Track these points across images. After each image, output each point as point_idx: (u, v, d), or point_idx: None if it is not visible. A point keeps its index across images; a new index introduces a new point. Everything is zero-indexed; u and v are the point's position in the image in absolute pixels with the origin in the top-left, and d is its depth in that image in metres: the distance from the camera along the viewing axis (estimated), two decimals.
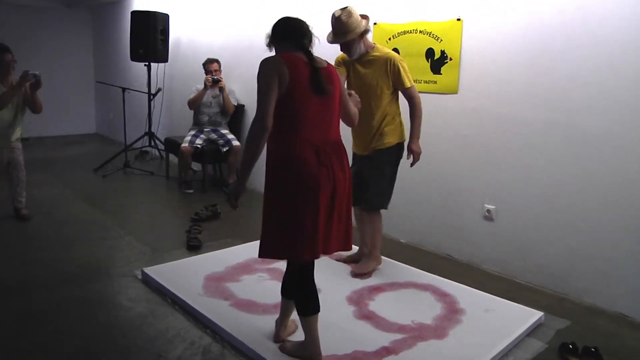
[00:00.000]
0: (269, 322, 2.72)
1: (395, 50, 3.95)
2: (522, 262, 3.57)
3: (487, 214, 3.76)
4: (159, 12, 6.62)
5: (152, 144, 7.10)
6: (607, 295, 3.17)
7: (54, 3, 9.15)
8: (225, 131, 5.83)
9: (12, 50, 4.29)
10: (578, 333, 2.85)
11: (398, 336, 2.70)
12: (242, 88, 5.88)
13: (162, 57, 6.72)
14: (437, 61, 3.93)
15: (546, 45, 3.32)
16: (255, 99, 2.24)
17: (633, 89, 2.97)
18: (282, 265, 2.59)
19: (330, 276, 3.40)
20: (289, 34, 2.34)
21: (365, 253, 3.62)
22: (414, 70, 3.66)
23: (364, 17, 3.25)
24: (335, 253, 2.64)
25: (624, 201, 3.07)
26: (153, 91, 6.91)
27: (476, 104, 3.75)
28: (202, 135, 5.76)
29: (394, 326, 2.81)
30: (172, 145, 6.21)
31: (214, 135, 5.78)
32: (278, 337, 2.60)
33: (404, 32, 4.11)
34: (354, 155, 3.50)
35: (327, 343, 2.48)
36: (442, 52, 3.89)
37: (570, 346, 2.62)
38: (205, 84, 5.67)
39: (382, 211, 3.50)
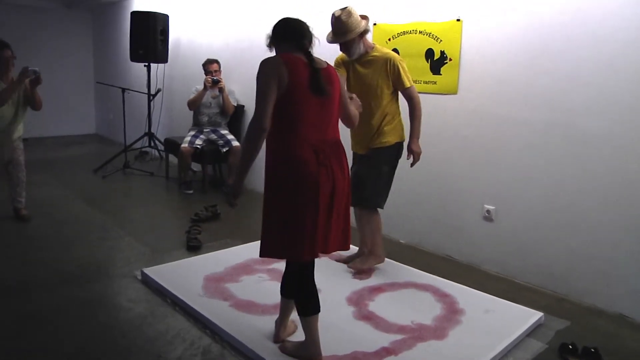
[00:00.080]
0: (269, 322, 2.72)
1: (395, 50, 3.95)
2: (521, 263, 3.57)
3: (486, 214, 3.76)
4: (159, 13, 6.62)
5: (152, 144, 7.10)
6: (607, 296, 3.17)
7: (54, 3, 9.15)
8: (225, 132, 5.83)
9: (12, 50, 4.29)
10: (578, 333, 2.85)
11: (398, 337, 2.70)
12: (242, 88, 5.88)
13: (162, 57, 6.72)
14: (436, 62, 3.93)
15: (546, 46, 3.33)
16: (255, 100, 2.24)
17: (633, 89, 2.97)
18: (281, 265, 2.59)
19: (330, 276, 3.40)
20: (289, 34, 2.34)
21: (365, 253, 3.63)
22: (413, 71, 3.67)
23: (364, 17, 3.25)
24: (335, 253, 2.64)
25: (623, 201, 3.07)
26: (153, 92, 6.91)
27: (476, 105, 3.75)
28: (201, 136, 5.76)
29: (394, 327, 2.81)
30: (171, 145, 6.21)
31: (213, 136, 5.78)
32: (278, 337, 2.60)
33: (404, 33, 4.11)
34: (354, 155, 3.50)
35: (327, 343, 2.48)
36: (442, 53, 3.89)
37: (570, 347, 2.62)
38: (204, 84, 5.67)
39: (381, 211, 3.50)
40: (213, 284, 3.28)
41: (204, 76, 5.73)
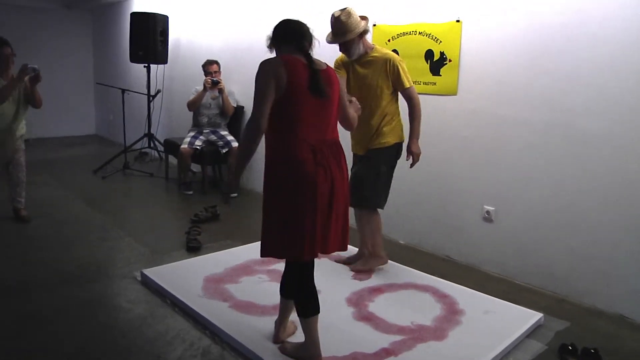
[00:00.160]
0: (269, 323, 2.72)
1: (395, 51, 3.95)
2: (521, 263, 3.57)
3: (486, 215, 3.76)
4: (159, 14, 6.62)
5: (152, 145, 7.10)
6: (607, 297, 3.17)
7: (54, 4, 9.15)
8: (224, 132, 5.84)
9: (12, 47, 4.30)
10: (578, 334, 2.85)
11: (397, 337, 2.70)
12: (242, 89, 5.88)
13: (162, 58, 6.72)
14: (436, 62, 3.94)
15: (546, 47, 3.33)
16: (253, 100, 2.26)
17: (633, 90, 2.97)
18: (281, 266, 2.59)
19: (330, 277, 3.40)
20: (289, 36, 2.36)
21: (366, 254, 3.63)
22: (413, 72, 3.67)
23: (364, 18, 3.25)
24: (335, 254, 2.65)
25: (623, 202, 3.07)
26: (152, 93, 6.91)
27: (475, 106, 3.75)
28: (201, 137, 5.76)
29: (394, 327, 2.81)
30: (171, 146, 6.21)
31: (213, 137, 5.79)
32: (277, 338, 2.60)
33: (403, 34, 4.11)
34: (354, 156, 3.50)
35: (327, 344, 2.48)
36: (442, 54, 3.89)
37: (570, 347, 2.62)
38: (204, 85, 5.67)
39: (381, 211, 3.50)
40: (213, 284, 3.28)
41: (204, 77, 5.73)
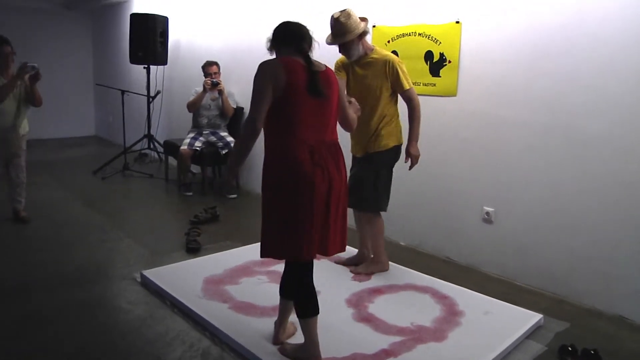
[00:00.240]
0: (268, 324, 2.72)
1: (394, 52, 3.95)
2: (521, 265, 3.57)
3: (486, 216, 3.76)
4: (158, 15, 6.63)
5: (151, 146, 7.10)
6: (607, 298, 3.17)
7: (54, 5, 9.15)
8: (224, 134, 5.84)
9: (12, 46, 4.30)
10: (577, 335, 2.85)
11: (397, 339, 2.70)
12: (241, 90, 5.88)
13: (161, 59, 6.72)
14: (436, 64, 3.94)
15: (545, 48, 3.33)
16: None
17: (633, 91, 2.98)
18: (281, 267, 2.59)
19: (330, 278, 3.40)
20: (289, 38, 2.38)
21: (365, 255, 3.63)
22: (412, 73, 3.67)
23: (363, 19, 3.25)
24: (335, 255, 2.65)
25: (623, 203, 3.07)
26: (152, 94, 6.91)
27: (475, 107, 3.75)
28: (201, 138, 5.76)
29: (393, 329, 2.81)
30: (171, 147, 6.20)
31: (213, 138, 5.79)
32: (277, 339, 2.60)
33: (403, 35, 4.11)
34: (353, 157, 3.50)
35: (327, 345, 2.48)
36: (441, 55, 3.89)
37: (570, 348, 2.62)
38: (204, 86, 5.67)
39: (382, 213, 3.50)
40: (212, 286, 3.28)
41: (204, 78, 5.73)
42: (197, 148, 5.66)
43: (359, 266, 3.58)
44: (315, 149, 2.29)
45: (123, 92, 6.85)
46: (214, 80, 5.65)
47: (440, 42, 3.89)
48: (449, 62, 3.85)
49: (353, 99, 2.74)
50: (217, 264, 3.64)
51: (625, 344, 2.83)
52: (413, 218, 4.23)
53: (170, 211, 5.34)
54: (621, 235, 3.09)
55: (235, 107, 5.86)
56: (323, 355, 2.45)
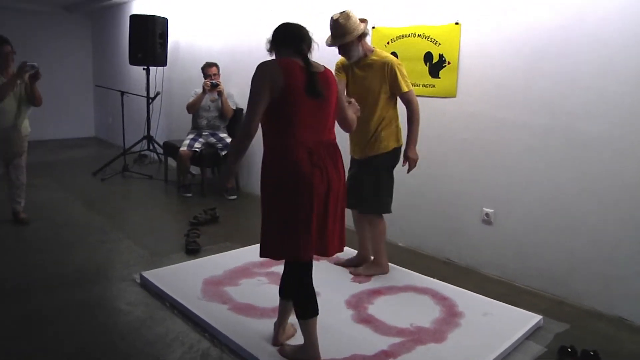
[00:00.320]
0: (268, 325, 2.72)
1: (394, 54, 3.96)
2: (521, 266, 3.57)
3: (485, 217, 3.77)
4: (158, 16, 6.63)
5: (151, 147, 7.10)
6: (606, 299, 3.17)
7: (54, 7, 9.15)
8: (223, 135, 5.84)
9: (12, 45, 4.31)
10: (577, 336, 2.85)
11: (397, 340, 2.70)
12: (241, 92, 5.88)
13: (161, 61, 6.72)
14: (435, 65, 3.94)
15: (545, 49, 3.33)
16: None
17: (632, 92, 2.98)
18: (280, 269, 2.59)
19: (329, 280, 3.40)
20: (288, 39, 2.38)
21: (365, 256, 3.63)
22: (412, 74, 3.67)
23: (363, 20, 3.24)
24: (334, 256, 2.65)
25: (623, 204, 3.07)
26: (152, 95, 6.91)
27: (475, 108, 3.76)
28: (200, 139, 5.76)
29: (393, 330, 2.81)
30: (170, 149, 6.21)
31: (212, 139, 5.79)
32: (277, 340, 2.60)
33: (402, 36, 4.12)
34: (352, 159, 3.50)
35: (326, 347, 2.48)
36: (441, 56, 3.90)
37: (569, 349, 2.62)
38: (203, 88, 5.67)
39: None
40: (212, 287, 3.28)
41: (203, 80, 5.74)
42: (197, 149, 5.66)
43: (359, 267, 3.58)
44: (314, 150, 2.30)
45: (122, 93, 6.86)
46: (214, 81, 5.66)
47: (439, 44, 3.89)
48: (449, 63, 3.86)
49: (353, 100, 2.74)
50: (217, 265, 3.63)
51: (625, 345, 2.83)
52: (412, 219, 4.23)
53: (170, 212, 5.34)
54: (621, 236, 3.09)
55: (234, 108, 5.86)
56: (323, 357, 2.44)
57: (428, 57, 3.97)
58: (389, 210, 3.46)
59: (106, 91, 8.07)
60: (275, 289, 2.62)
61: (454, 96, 3.86)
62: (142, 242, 4.19)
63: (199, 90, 5.73)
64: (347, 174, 2.62)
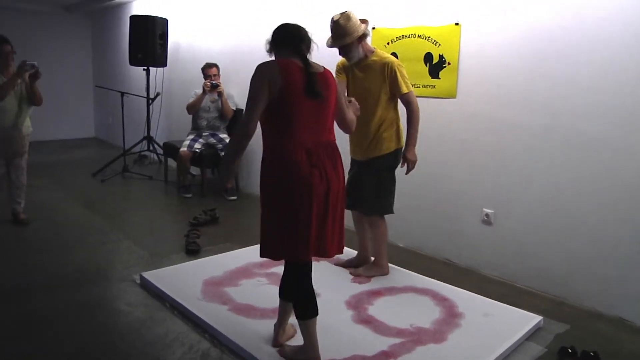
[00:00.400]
0: (268, 326, 2.72)
1: (394, 54, 3.96)
2: (521, 266, 3.57)
3: (485, 218, 3.76)
4: (158, 17, 6.63)
5: (151, 148, 7.10)
6: (606, 299, 3.17)
7: (54, 7, 9.16)
8: (223, 135, 5.84)
9: (12, 45, 4.31)
10: (577, 337, 2.85)
11: (397, 340, 2.70)
12: (241, 92, 5.89)
13: (161, 61, 6.72)
14: (435, 65, 3.94)
15: (545, 50, 3.33)
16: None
17: (632, 92, 2.98)
18: (280, 269, 2.59)
19: (329, 280, 3.40)
20: (288, 40, 2.38)
21: (365, 257, 3.63)
22: (412, 75, 3.67)
23: (364, 21, 3.24)
24: (334, 257, 2.65)
25: (622, 204, 3.07)
26: (152, 96, 6.91)
27: (475, 109, 3.76)
28: (200, 140, 5.76)
29: (393, 330, 2.81)
30: (170, 149, 6.21)
31: (212, 140, 5.79)
32: (277, 341, 2.60)
33: (402, 37, 4.12)
34: (352, 160, 3.50)
35: (326, 347, 2.48)
36: (441, 57, 3.90)
37: (570, 350, 2.62)
38: (203, 88, 5.67)
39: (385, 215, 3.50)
40: (212, 287, 3.28)
41: (203, 80, 5.74)
42: (197, 150, 5.66)
43: (359, 268, 3.58)
44: (313, 150, 2.30)
45: (123, 93, 6.86)
46: (214, 82, 5.66)
47: (439, 44, 3.89)
48: (449, 63, 3.86)
49: (353, 99, 2.74)
50: (217, 265, 3.63)
51: (625, 346, 2.83)
52: (412, 220, 4.22)
53: (170, 213, 5.34)
54: (621, 237, 3.09)
55: (234, 109, 5.86)
56: (323, 357, 2.44)
57: (428, 57, 3.97)
58: (391, 211, 3.46)
59: (106, 92, 8.07)
60: (275, 290, 2.62)
61: (454, 97, 3.86)
62: (142, 243, 4.19)
63: (199, 90, 5.73)
64: (347, 175, 2.62)
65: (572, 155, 3.27)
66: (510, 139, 3.57)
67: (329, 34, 3.23)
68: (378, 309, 3.06)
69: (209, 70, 5.74)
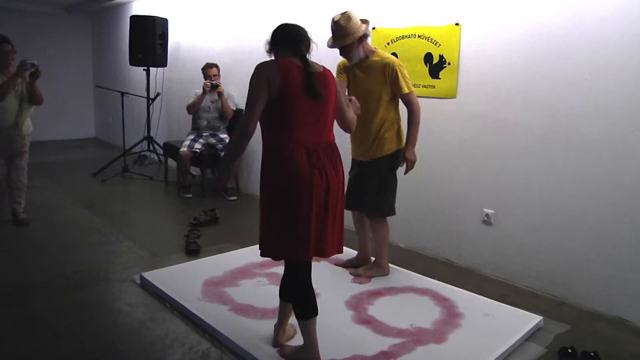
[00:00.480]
0: (268, 326, 2.72)
1: (394, 54, 3.96)
2: (521, 267, 3.57)
3: (486, 218, 3.76)
4: (158, 17, 6.63)
5: (151, 148, 7.10)
6: (607, 300, 3.17)
7: (54, 8, 9.16)
8: (223, 135, 5.84)
9: (12, 44, 4.31)
10: (577, 337, 2.85)
11: (397, 340, 2.70)
12: (241, 92, 5.89)
13: (161, 61, 6.73)
14: (435, 66, 3.94)
15: (545, 50, 3.33)
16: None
17: (632, 93, 2.98)
18: (280, 269, 2.59)
19: (329, 280, 3.40)
20: (287, 40, 2.39)
21: (365, 257, 3.63)
22: (412, 75, 3.66)
23: (364, 21, 3.23)
24: (334, 257, 2.65)
25: (622, 205, 3.07)
26: (152, 96, 6.91)
27: (475, 109, 3.76)
28: (200, 140, 5.76)
29: (393, 330, 2.81)
30: (170, 149, 6.21)
31: (212, 140, 5.79)
32: (277, 341, 2.60)
33: (403, 37, 4.12)
34: (353, 160, 3.49)
35: (326, 347, 2.48)
36: (441, 57, 3.90)
37: (570, 350, 2.62)
38: (203, 88, 5.67)
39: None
40: (212, 288, 3.28)
41: (203, 80, 5.74)
42: (197, 150, 5.67)
43: (360, 269, 3.58)
44: (312, 150, 2.30)
45: (123, 94, 6.87)
46: (214, 82, 5.66)
47: (439, 44, 3.89)
48: (449, 64, 3.86)
49: (353, 98, 2.73)
50: (217, 266, 3.63)
51: (625, 346, 2.83)
52: (413, 220, 4.22)
53: (170, 213, 5.34)
54: (621, 237, 3.09)
55: (234, 109, 5.86)
56: (323, 357, 2.44)
57: (428, 57, 3.97)
58: (393, 213, 3.46)
59: (106, 92, 8.07)
60: (275, 290, 2.62)
61: (454, 97, 3.86)
62: (142, 243, 4.19)
63: (199, 91, 5.73)
64: (347, 175, 2.62)
65: (572, 156, 3.27)
66: (511, 139, 3.57)
67: (329, 34, 3.23)
68: (378, 309, 3.06)
69: (209, 70, 5.74)
